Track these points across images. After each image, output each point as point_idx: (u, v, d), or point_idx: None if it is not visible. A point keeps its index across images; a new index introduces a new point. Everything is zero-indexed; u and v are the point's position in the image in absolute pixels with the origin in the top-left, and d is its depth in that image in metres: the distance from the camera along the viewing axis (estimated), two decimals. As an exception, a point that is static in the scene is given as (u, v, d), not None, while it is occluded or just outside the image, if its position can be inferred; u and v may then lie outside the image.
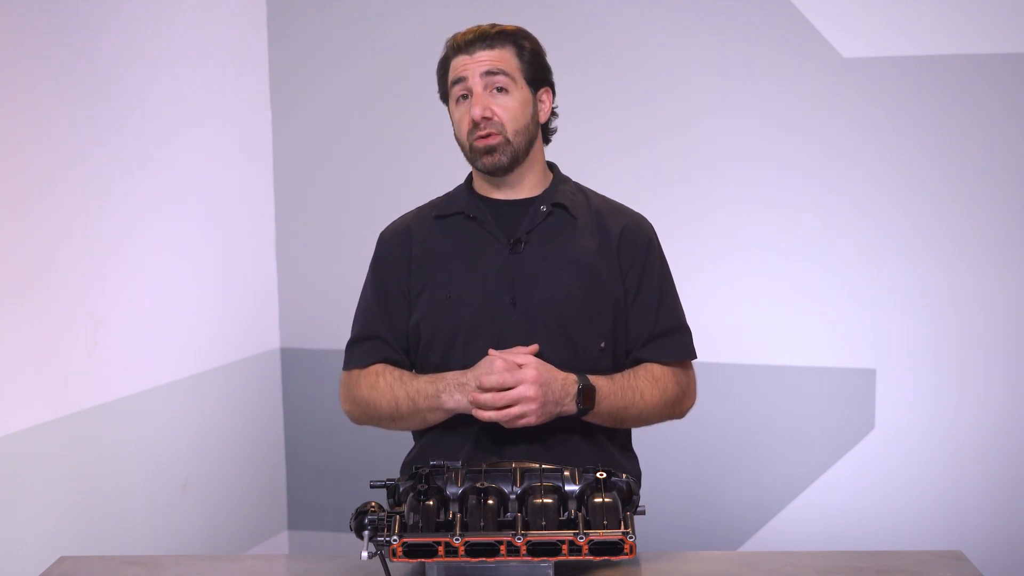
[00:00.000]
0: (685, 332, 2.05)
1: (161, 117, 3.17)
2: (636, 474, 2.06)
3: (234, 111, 3.56)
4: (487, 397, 1.84)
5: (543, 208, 2.01)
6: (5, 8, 2.61)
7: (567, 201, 2.03)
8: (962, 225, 3.24)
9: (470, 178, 2.09)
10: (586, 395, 1.88)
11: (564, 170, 2.11)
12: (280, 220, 3.75)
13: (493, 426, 1.91)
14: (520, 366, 1.85)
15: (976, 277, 3.24)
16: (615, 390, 1.93)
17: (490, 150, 1.96)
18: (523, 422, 1.85)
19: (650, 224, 2.09)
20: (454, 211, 2.04)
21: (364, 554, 1.65)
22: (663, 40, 3.38)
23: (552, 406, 1.86)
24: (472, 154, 1.98)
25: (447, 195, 2.10)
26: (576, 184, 2.09)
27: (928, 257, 3.27)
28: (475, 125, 1.95)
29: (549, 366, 1.88)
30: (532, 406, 1.83)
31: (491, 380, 1.84)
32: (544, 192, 2.04)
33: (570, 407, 1.88)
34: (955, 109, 3.21)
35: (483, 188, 2.05)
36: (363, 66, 3.64)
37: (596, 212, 2.04)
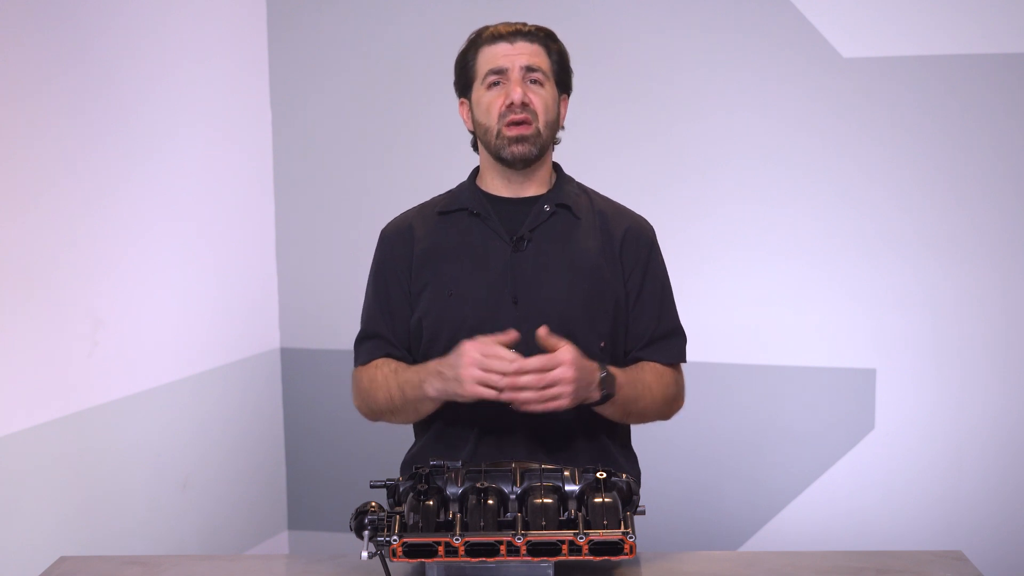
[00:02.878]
0: (682, 336, 2.07)
1: (161, 117, 3.17)
2: (636, 474, 2.06)
3: (234, 111, 3.56)
4: (530, 379, 1.79)
5: (547, 207, 2.01)
6: (5, 8, 2.61)
7: (571, 202, 2.03)
8: (962, 225, 3.24)
9: (474, 175, 2.09)
10: (607, 382, 1.87)
11: (566, 170, 2.11)
12: (280, 220, 3.75)
13: (493, 427, 1.91)
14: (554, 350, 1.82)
15: (976, 277, 3.24)
16: (628, 381, 1.93)
17: (521, 139, 1.95)
18: (555, 404, 1.81)
19: (652, 227, 2.09)
20: (458, 207, 2.04)
21: (364, 554, 1.65)
22: (663, 40, 3.38)
23: (583, 390, 1.83)
24: (499, 141, 1.96)
25: (450, 192, 2.10)
26: (579, 185, 2.10)
27: (928, 257, 3.27)
28: (508, 109, 1.94)
29: (580, 351, 1.85)
30: (569, 388, 1.80)
31: (535, 362, 1.79)
32: (548, 192, 2.04)
33: (595, 394, 1.87)
34: (955, 109, 3.21)
35: (489, 184, 2.05)
36: (363, 66, 3.64)
37: (599, 213, 2.04)
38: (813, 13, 3.28)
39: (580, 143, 3.37)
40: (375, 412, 2.03)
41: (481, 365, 1.80)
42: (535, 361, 1.80)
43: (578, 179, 2.11)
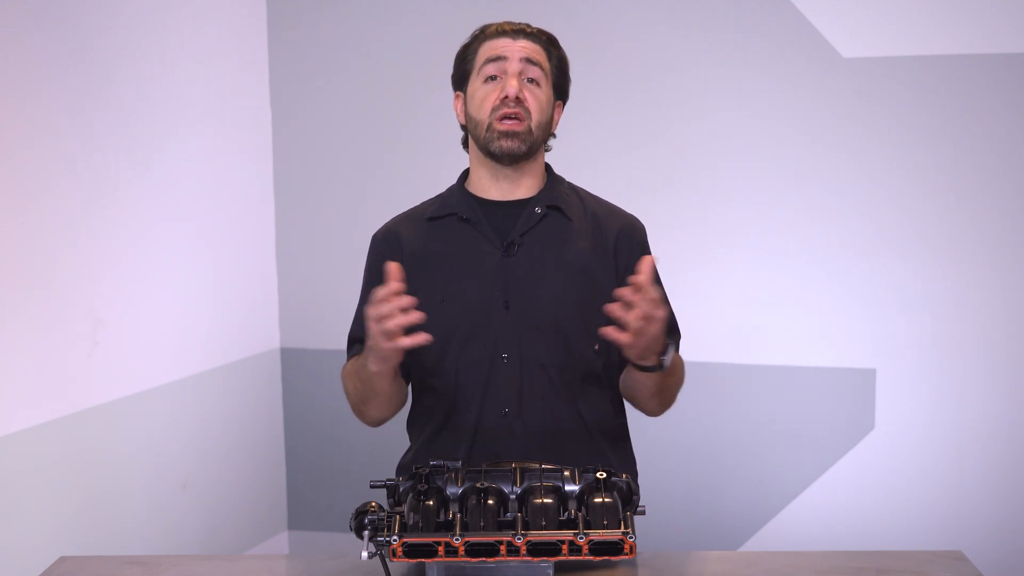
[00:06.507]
0: (676, 334, 2.06)
1: (161, 117, 3.17)
2: (633, 475, 2.05)
3: (234, 111, 3.56)
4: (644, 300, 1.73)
5: (538, 210, 2.00)
6: (5, 8, 2.61)
7: (562, 203, 2.02)
8: (962, 225, 3.24)
9: (462, 178, 2.09)
10: (667, 359, 1.87)
11: (565, 171, 2.11)
12: (280, 220, 3.75)
13: (490, 428, 1.92)
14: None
15: (976, 277, 3.24)
16: (678, 366, 1.97)
17: (512, 134, 1.94)
18: (648, 336, 1.76)
19: (643, 226, 2.09)
20: (447, 213, 2.03)
21: (364, 554, 1.64)
22: (663, 40, 3.38)
23: (655, 343, 1.80)
24: (488, 134, 1.95)
25: (439, 196, 2.09)
26: (570, 185, 2.09)
27: (928, 257, 3.27)
28: (502, 103, 1.93)
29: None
30: (656, 327, 1.76)
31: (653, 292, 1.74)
32: (539, 193, 2.03)
33: (652, 358, 1.85)
34: (955, 109, 3.21)
35: (478, 187, 2.04)
36: (363, 66, 3.64)
37: (591, 215, 2.04)
38: (813, 13, 3.28)
39: (580, 143, 3.38)
40: (355, 407, 2.03)
41: (375, 317, 1.75)
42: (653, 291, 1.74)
43: (576, 180, 2.11)
